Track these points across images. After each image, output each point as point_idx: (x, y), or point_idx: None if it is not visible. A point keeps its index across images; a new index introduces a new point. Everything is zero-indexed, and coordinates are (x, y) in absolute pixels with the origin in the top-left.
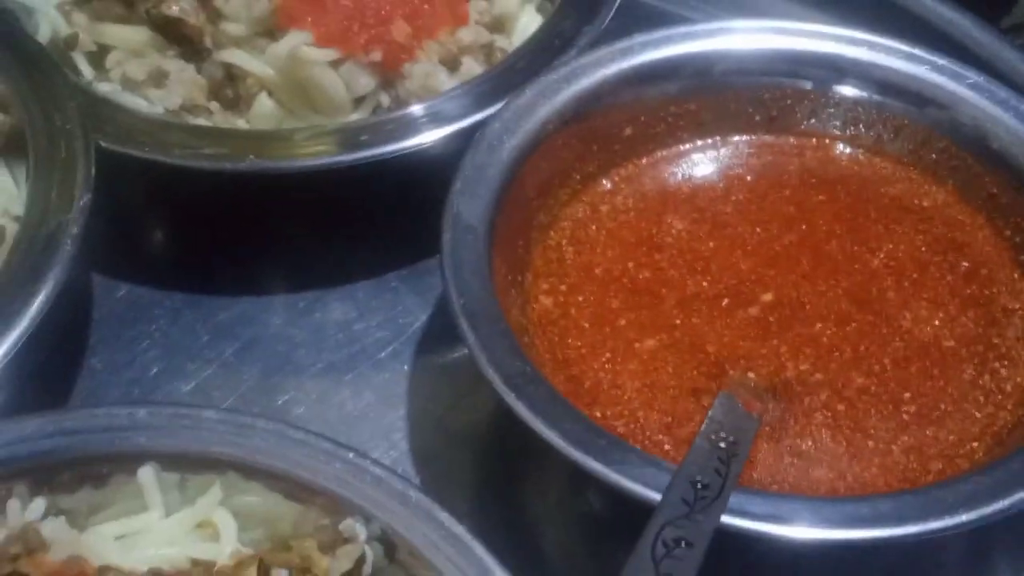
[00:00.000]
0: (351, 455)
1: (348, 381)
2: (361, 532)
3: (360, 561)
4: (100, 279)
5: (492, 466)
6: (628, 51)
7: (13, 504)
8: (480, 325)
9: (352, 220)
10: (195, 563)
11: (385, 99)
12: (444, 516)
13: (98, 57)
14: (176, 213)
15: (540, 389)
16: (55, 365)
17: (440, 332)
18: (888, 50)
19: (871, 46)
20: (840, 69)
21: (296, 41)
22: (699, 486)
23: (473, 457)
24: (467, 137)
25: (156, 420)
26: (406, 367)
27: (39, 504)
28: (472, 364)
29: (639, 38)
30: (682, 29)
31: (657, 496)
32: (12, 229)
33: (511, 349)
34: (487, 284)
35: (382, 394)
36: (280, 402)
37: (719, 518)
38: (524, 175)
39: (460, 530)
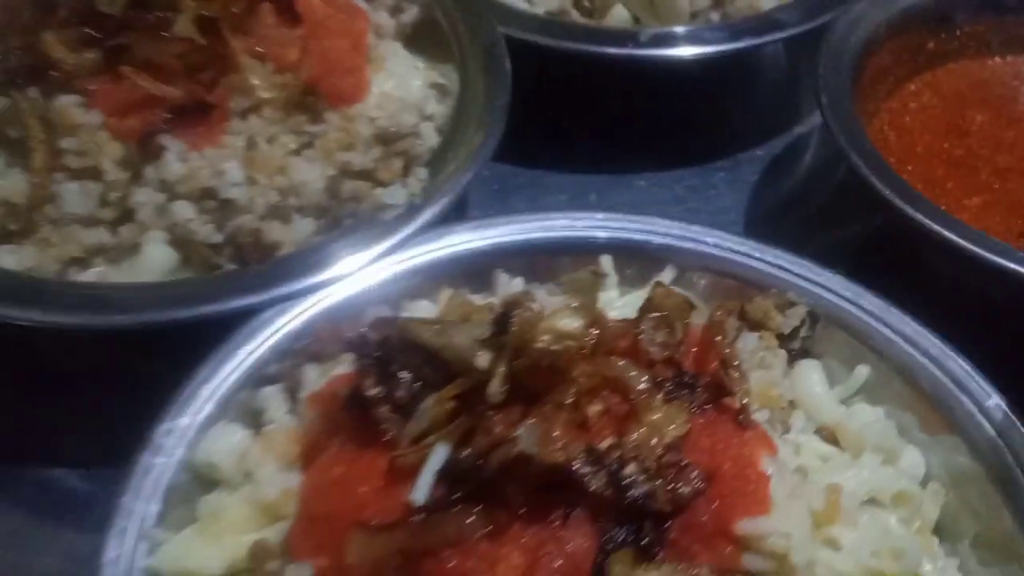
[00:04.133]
0: (775, 253)
1: None
2: (802, 301)
3: (802, 321)
4: None
5: None
6: None
7: (501, 277)
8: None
9: (692, 111)
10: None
11: (715, 16)
12: (850, 288)
13: None
14: (552, 95)
15: (920, 201)
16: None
17: (758, 220)
18: None
19: None
20: None
21: None
22: None
23: None
24: (794, 45)
25: (613, 223)
26: None
27: (519, 282)
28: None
29: None
30: None
31: None
32: (445, 102)
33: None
34: (858, 121)
35: None
36: None
37: None
38: (861, 67)
39: (880, 303)
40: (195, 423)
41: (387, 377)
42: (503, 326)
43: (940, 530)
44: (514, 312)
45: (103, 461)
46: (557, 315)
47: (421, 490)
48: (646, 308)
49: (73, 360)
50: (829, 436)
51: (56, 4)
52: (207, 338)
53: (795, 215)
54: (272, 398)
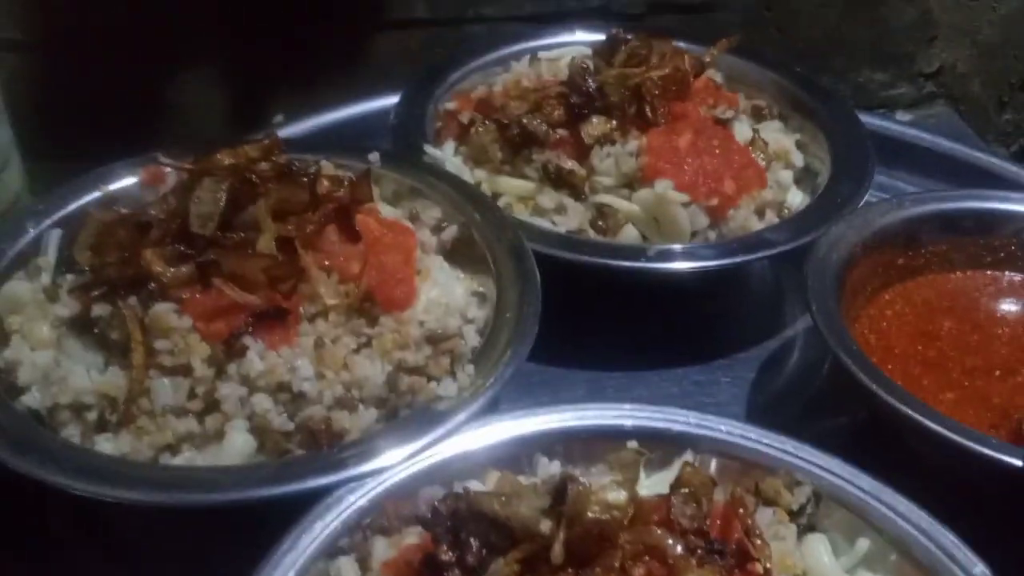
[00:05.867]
0: (780, 440)
1: None
2: (807, 481)
3: (808, 499)
4: None
5: None
6: (899, 205)
7: (542, 460)
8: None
9: (694, 316)
10: None
11: (712, 235)
12: (848, 470)
13: None
14: (571, 302)
15: (903, 394)
16: None
17: (757, 411)
18: None
19: None
20: None
21: (664, 187)
22: None
23: None
24: (781, 261)
25: (638, 413)
26: None
27: (556, 465)
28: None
29: (910, 196)
30: (938, 193)
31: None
32: (484, 307)
33: (872, 368)
34: (843, 325)
35: None
36: None
37: None
38: (842, 279)
39: (875, 483)
40: None
41: (458, 544)
42: (560, 498)
43: None
44: (569, 486)
45: None
46: (605, 489)
47: None
48: (676, 485)
49: (161, 537)
50: None
51: (150, 225)
52: (280, 517)
53: (789, 407)
54: (345, 567)
